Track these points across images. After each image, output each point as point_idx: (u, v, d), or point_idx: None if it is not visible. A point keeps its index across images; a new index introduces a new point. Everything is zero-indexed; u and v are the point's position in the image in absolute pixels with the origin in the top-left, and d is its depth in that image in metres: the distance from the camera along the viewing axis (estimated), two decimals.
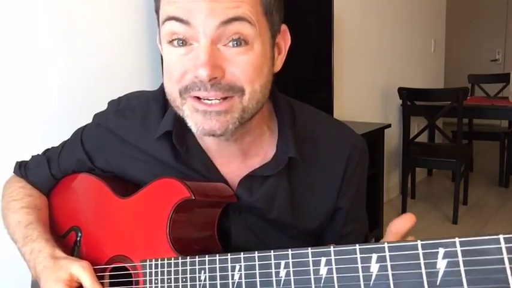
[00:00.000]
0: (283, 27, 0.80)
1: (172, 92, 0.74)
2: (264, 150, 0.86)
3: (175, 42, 0.70)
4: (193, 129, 0.73)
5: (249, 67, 0.70)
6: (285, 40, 0.81)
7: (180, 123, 0.85)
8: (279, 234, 0.89)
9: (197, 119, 0.71)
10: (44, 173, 1.00)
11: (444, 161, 3.39)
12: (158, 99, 0.90)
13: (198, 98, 0.71)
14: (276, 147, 0.85)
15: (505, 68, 6.32)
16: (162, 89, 0.92)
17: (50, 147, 1.05)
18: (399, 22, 3.90)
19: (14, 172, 1.04)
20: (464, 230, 3.23)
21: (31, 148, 1.08)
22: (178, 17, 0.68)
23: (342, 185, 0.89)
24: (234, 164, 0.86)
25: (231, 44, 0.68)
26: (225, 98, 0.70)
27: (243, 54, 0.69)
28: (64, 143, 1.02)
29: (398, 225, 0.61)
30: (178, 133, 0.84)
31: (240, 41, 0.68)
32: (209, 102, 0.70)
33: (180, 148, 0.84)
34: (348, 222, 0.92)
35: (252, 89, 0.71)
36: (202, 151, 0.86)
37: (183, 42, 0.69)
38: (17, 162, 1.04)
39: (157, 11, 0.74)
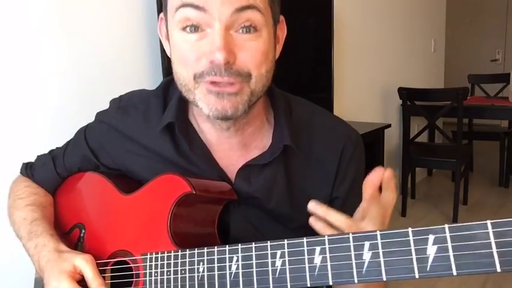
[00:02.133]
0: (281, 18, 0.83)
1: (185, 77, 0.76)
2: (262, 142, 0.88)
3: (188, 29, 0.73)
4: (206, 110, 0.75)
5: (258, 53, 0.74)
6: (283, 31, 0.85)
7: (182, 115, 0.88)
8: (278, 227, 0.90)
9: (210, 100, 0.74)
10: (50, 172, 1.01)
11: (444, 161, 3.39)
12: (158, 95, 0.92)
13: (213, 82, 0.73)
14: (272, 137, 0.87)
15: (505, 68, 6.33)
16: (162, 86, 0.93)
17: (54, 147, 1.06)
18: (399, 22, 3.90)
19: (20, 172, 1.05)
20: None
21: (34, 149, 1.09)
22: (194, 4, 0.70)
23: (337, 176, 0.90)
24: (233, 157, 0.88)
25: (241, 30, 0.72)
26: (232, 83, 0.74)
27: (253, 40, 0.73)
28: (68, 143, 1.03)
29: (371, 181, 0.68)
30: (181, 125, 0.86)
31: (250, 28, 0.73)
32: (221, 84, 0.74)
33: (184, 139, 0.86)
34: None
35: (259, 73, 0.75)
36: (202, 144, 0.88)
37: (195, 28, 0.72)
38: (23, 163, 1.05)
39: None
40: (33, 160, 1.06)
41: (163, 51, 1.77)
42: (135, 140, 0.91)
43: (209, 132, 0.87)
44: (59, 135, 1.10)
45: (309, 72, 2.58)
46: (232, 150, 0.87)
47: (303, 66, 2.48)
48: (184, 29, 0.73)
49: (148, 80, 1.85)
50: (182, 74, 0.76)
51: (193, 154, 0.86)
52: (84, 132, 0.99)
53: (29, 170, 1.03)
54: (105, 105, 0.99)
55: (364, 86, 3.49)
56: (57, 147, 1.05)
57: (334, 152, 0.90)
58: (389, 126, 2.98)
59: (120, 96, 0.98)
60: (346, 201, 0.92)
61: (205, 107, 0.75)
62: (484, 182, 4.35)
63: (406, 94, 3.39)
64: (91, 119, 1.00)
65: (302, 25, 2.41)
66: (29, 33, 1.45)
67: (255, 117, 0.85)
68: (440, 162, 3.46)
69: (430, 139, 4.29)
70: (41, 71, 1.49)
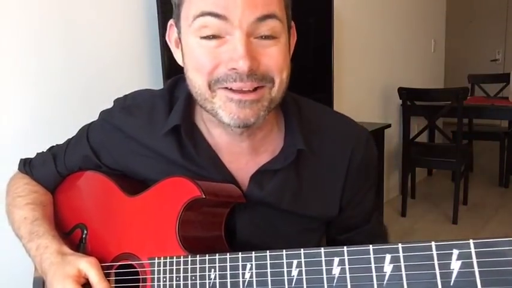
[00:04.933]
0: (292, 23, 0.82)
1: (200, 84, 0.75)
2: (272, 146, 0.87)
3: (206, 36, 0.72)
4: (226, 119, 0.74)
5: (279, 57, 0.74)
6: (294, 36, 0.84)
7: (188, 118, 0.87)
8: (284, 228, 0.89)
9: (231, 109, 0.73)
10: (50, 170, 0.99)
11: (444, 161, 3.39)
12: (164, 96, 0.90)
13: (230, 88, 0.73)
14: (284, 141, 0.86)
15: (505, 68, 6.33)
16: (168, 87, 0.92)
17: (54, 144, 1.05)
18: (399, 22, 3.90)
19: (18, 169, 1.04)
20: (464, 230, 3.23)
21: (33, 148, 1.08)
22: (214, 12, 0.69)
23: (346, 181, 0.89)
24: (242, 161, 0.87)
25: (261, 37, 0.72)
26: (256, 88, 0.73)
27: (273, 45, 0.73)
28: (69, 140, 1.01)
29: None
30: (187, 128, 0.85)
31: (270, 36, 0.72)
32: (242, 91, 0.73)
33: (189, 142, 0.84)
34: (358, 212, 0.94)
35: (281, 79, 0.75)
36: (209, 147, 0.86)
37: (214, 35, 0.71)
38: (21, 159, 1.04)
39: (179, 6, 0.75)
40: (31, 157, 1.04)
41: (163, 51, 1.77)
42: (139, 141, 0.90)
43: (219, 137, 0.86)
44: (58, 135, 1.08)
45: (309, 72, 2.58)
46: (242, 154, 0.86)
47: (303, 66, 2.48)
48: (202, 37, 0.72)
49: (149, 79, 1.85)
50: (197, 82, 0.75)
51: (200, 157, 0.85)
52: (86, 131, 0.98)
53: (27, 166, 1.01)
54: (105, 105, 0.98)
55: (364, 86, 3.48)
56: (57, 145, 1.04)
57: (344, 152, 0.89)
58: (389, 126, 2.98)
59: (125, 95, 0.96)
60: (359, 204, 0.92)
61: (226, 115, 0.74)
62: (484, 182, 4.35)
63: (406, 94, 3.39)
64: (90, 118, 0.99)
65: (302, 25, 2.40)
66: (29, 33, 1.45)
67: (267, 121, 0.84)
68: (440, 162, 3.46)
69: (430, 139, 4.28)
70: (40, 71, 1.49)
